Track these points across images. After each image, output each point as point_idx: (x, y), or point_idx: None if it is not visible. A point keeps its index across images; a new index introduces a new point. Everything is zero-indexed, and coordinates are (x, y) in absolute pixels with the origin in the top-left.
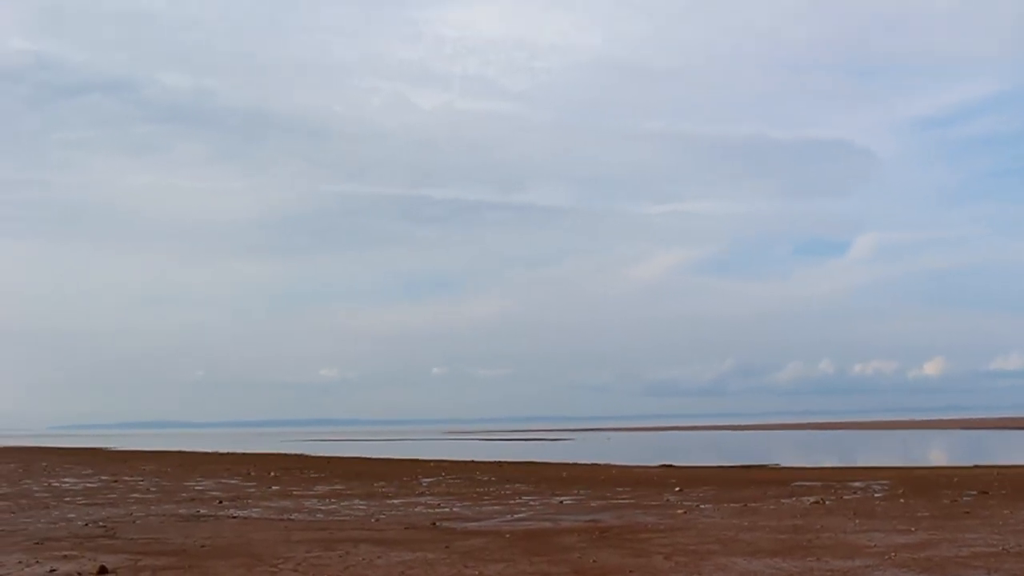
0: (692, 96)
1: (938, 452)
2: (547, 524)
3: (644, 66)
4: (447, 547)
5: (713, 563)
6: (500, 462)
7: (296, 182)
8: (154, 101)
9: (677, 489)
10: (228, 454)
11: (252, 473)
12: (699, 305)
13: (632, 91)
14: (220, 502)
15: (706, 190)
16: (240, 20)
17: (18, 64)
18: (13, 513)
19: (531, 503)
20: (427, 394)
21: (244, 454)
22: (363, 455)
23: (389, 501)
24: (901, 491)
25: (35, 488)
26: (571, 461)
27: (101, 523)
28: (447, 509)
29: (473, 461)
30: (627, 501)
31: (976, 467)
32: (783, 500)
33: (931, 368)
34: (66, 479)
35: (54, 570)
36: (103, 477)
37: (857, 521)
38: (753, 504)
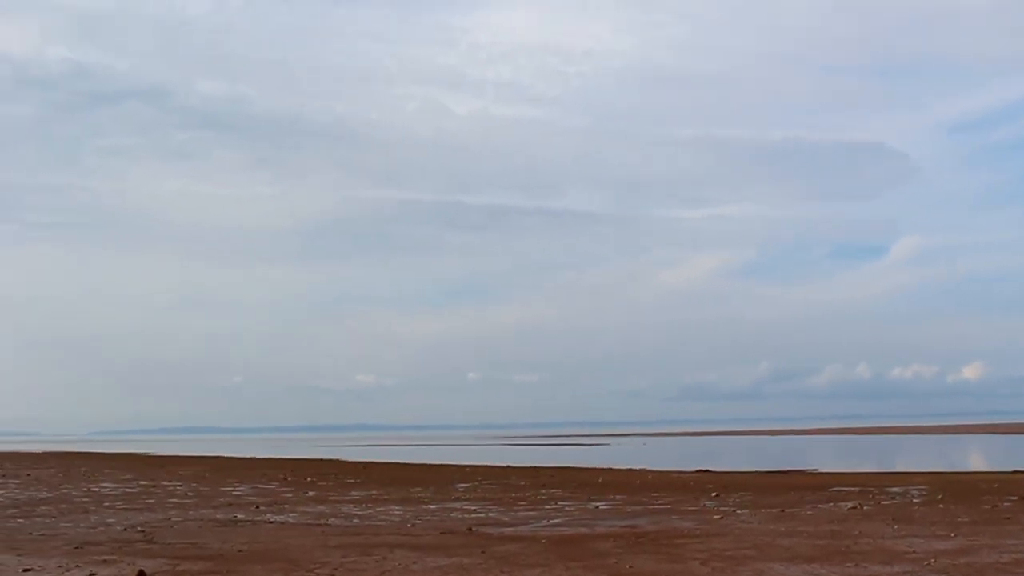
0: (726, 100)
1: (978, 457)
2: (583, 529)
3: (677, 71)
4: (483, 552)
5: (750, 569)
6: (536, 467)
7: (331, 188)
8: (190, 108)
9: (714, 494)
10: (265, 459)
11: (288, 478)
12: (734, 309)
13: (665, 96)
14: (257, 507)
15: (741, 194)
16: (275, 28)
17: (57, 72)
18: (53, 518)
19: (567, 508)
20: (462, 399)
21: (280, 459)
22: (399, 460)
23: (425, 506)
24: (940, 496)
25: (75, 493)
26: (607, 466)
27: (140, 528)
28: (483, 514)
29: (509, 466)
30: (663, 506)
31: (1017, 472)
32: (820, 505)
33: (970, 372)
34: (105, 484)
35: (93, 574)
36: (141, 482)
37: (896, 526)
38: (790, 509)
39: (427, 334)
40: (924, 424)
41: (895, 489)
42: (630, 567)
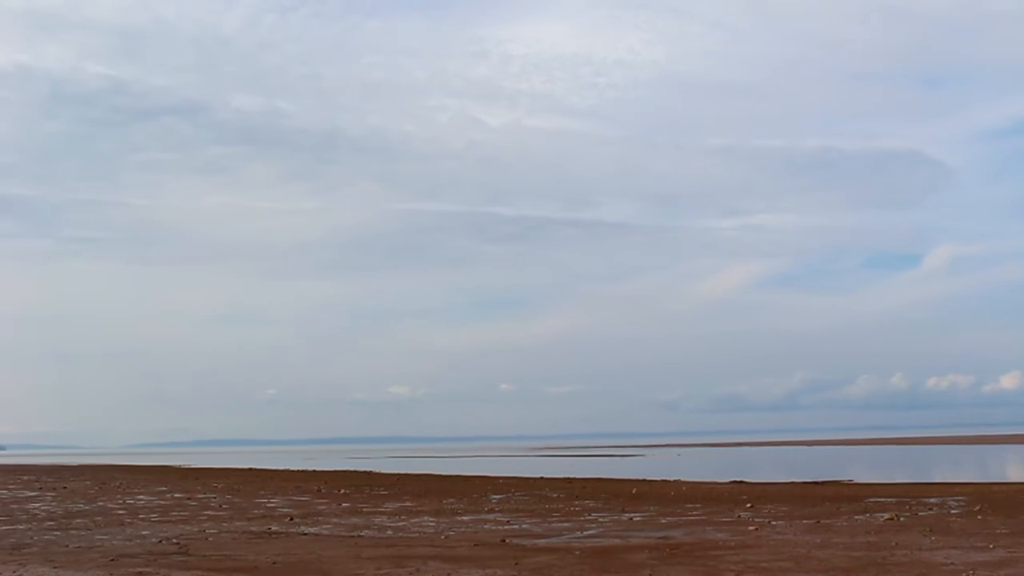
0: (759, 109)
1: (1016, 467)
2: (617, 541)
3: (710, 80)
4: (516, 564)
5: None
6: (569, 478)
7: (366, 201)
8: (226, 123)
9: (748, 505)
10: (299, 471)
11: (322, 490)
12: (768, 320)
13: (698, 106)
14: (291, 519)
15: (775, 203)
16: (310, 42)
17: (95, 88)
18: (89, 530)
19: (601, 520)
20: (496, 411)
21: (314, 471)
22: (432, 472)
23: (458, 518)
24: (978, 507)
25: (110, 505)
26: (641, 477)
27: (175, 540)
28: (516, 526)
29: (542, 477)
30: (698, 517)
31: None
32: (856, 516)
33: (1009, 382)
34: (140, 496)
35: None
36: (176, 494)
37: (933, 538)
38: (826, 520)
39: (461, 346)
40: (961, 434)
41: (932, 500)
42: None
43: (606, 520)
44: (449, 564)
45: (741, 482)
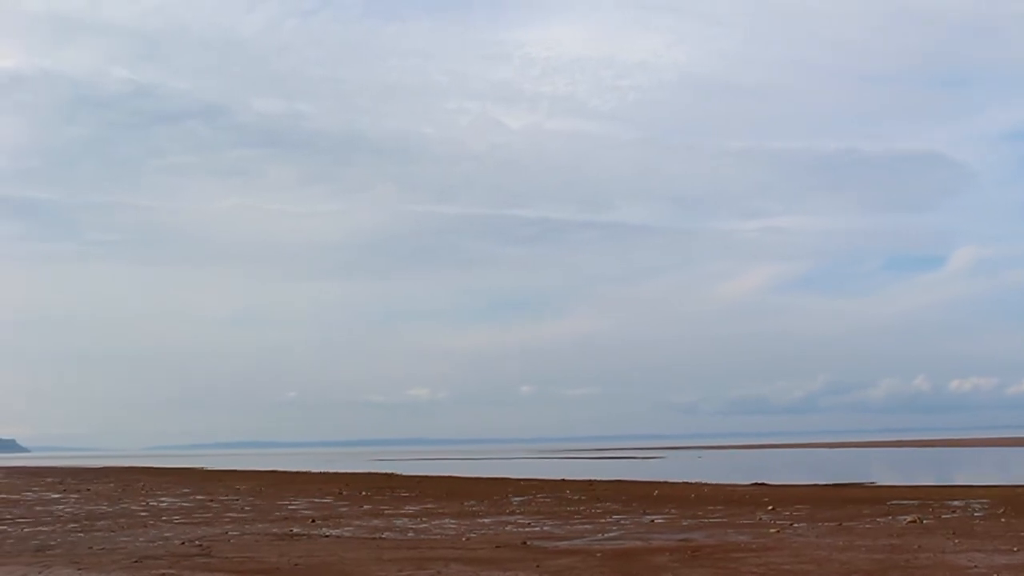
0: (780, 111)
1: None
2: (638, 543)
3: (731, 82)
4: (538, 566)
5: None
6: (590, 480)
7: (385, 204)
8: (246, 126)
9: (770, 507)
10: (320, 473)
11: (344, 492)
12: (789, 322)
13: (719, 108)
14: (313, 521)
15: (794, 206)
16: (329, 45)
17: (116, 92)
18: (113, 532)
19: (622, 522)
20: (516, 413)
21: (336, 473)
22: (453, 474)
23: (479, 520)
24: (1002, 510)
25: (133, 507)
26: (661, 479)
27: (197, 542)
28: (537, 528)
29: (563, 479)
30: (719, 520)
31: None
32: (879, 519)
33: None
34: (163, 498)
35: None
36: (198, 496)
37: (956, 541)
38: (848, 523)
39: (481, 348)
40: (984, 437)
41: (955, 503)
42: None
43: (627, 522)
44: (470, 566)
45: (762, 484)
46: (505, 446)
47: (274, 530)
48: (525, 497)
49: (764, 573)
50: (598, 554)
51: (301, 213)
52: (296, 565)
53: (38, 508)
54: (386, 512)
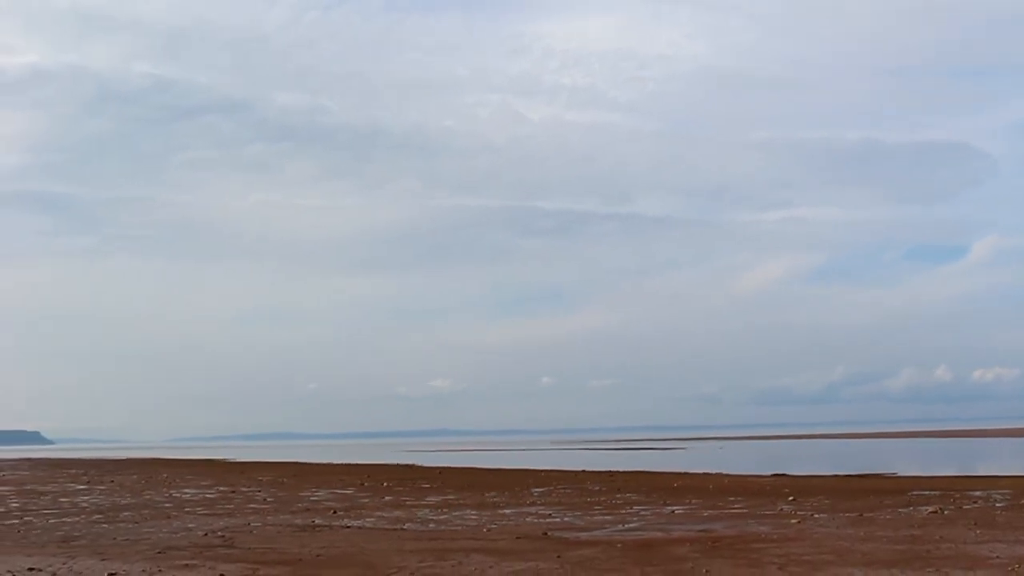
0: (801, 102)
1: None
2: (659, 534)
3: (751, 74)
4: (559, 557)
5: (828, 574)
6: (611, 471)
7: (406, 197)
8: (268, 121)
9: (790, 498)
10: (342, 465)
11: (365, 483)
12: (809, 313)
13: (739, 99)
14: (334, 512)
15: (815, 197)
16: (350, 40)
17: (140, 87)
18: (136, 523)
19: (642, 513)
20: (537, 405)
21: (357, 465)
22: (474, 465)
23: (500, 511)
24: None
25: (157, 499)
26: (682, 470)
27: (220, 533)
28: (558, 519)
29: (584, 470)
30: (739, 511)
31: None
32: (900, 509)
33: None
34: (186, 490)
35: None
36: (221, 488)
37: (978, 531)
38: (869, 514)
39: (502, 339)
40: (1007, 427)
41: (977, 493)
42: (707, 572)
43: (648, 513)
44: (492, 557)
45: (783, 475)
46: (526, 437)
47: (296, 521)
48: (546, 488)
49: (785, 564)
50: (619, 545)
51: (323, 208)
52: (318, 556)
53: (63, 499)
54: (407, 503)
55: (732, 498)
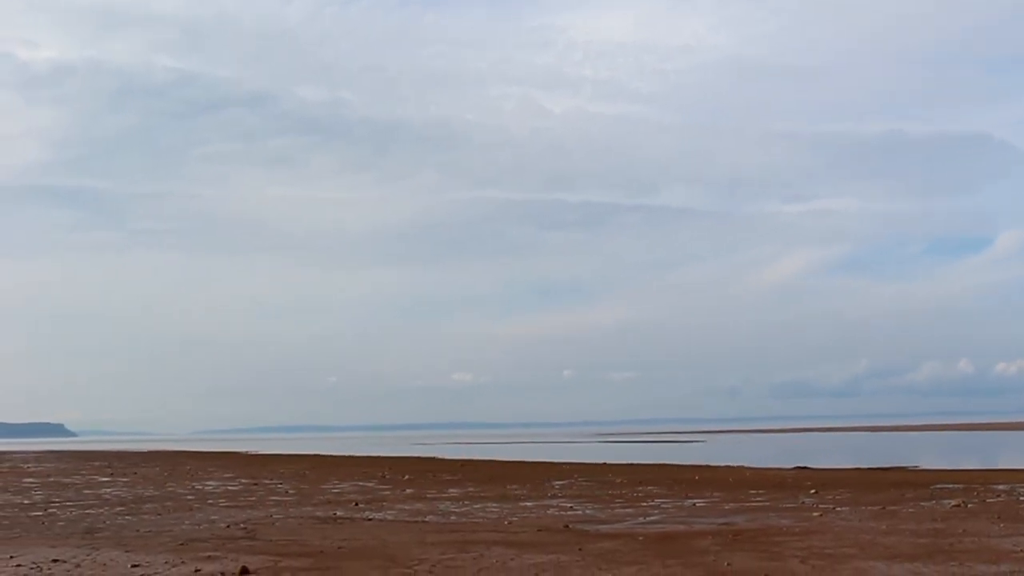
0: (824, 94)
1: None
2: (680, 527)
3: (774, 66)
4: (580, 549)
5: (850, 567)
6: (632, 464)
7: (429, 190)
8: (290, 114)
9: (812, 491)
10: (363, 457)
11: (387, 476)
12: (832, 305)
13: (763, 91)
14: (356, 504)
15: (839, 188)
16: (372, 34)
17: (162, 81)
18: (159, 515)
19: (663, 505)
20: (558, 397)
21: (379, 457)
22: (495, 458)
23: (522, 503)
24: None
25: (179, 491)
26: (703, 463)
27: (242, 525)
28: (579, 511)
29: (605, 463)
30: (761, 504)
31: None
32: (922, 503)
33: None
34: (208, 482)
35: (199, 570)
36: (243, 480)
37: (1001, 525)
38: (891, 507)
39: (524, 332)
40: None
41: (1000, 487)
42: (728, 565)
43: (669, 506)
44: (513, 549)
45: (805, 468)
46: (547, 430)
47: (318, 513)
48: (567, 481)
49: (807, 557)
50: (640, 537)
51: (345, 201)
52: (340, 548)
53: (87, 491)
54: (429, 496)
55: (753, 491)
